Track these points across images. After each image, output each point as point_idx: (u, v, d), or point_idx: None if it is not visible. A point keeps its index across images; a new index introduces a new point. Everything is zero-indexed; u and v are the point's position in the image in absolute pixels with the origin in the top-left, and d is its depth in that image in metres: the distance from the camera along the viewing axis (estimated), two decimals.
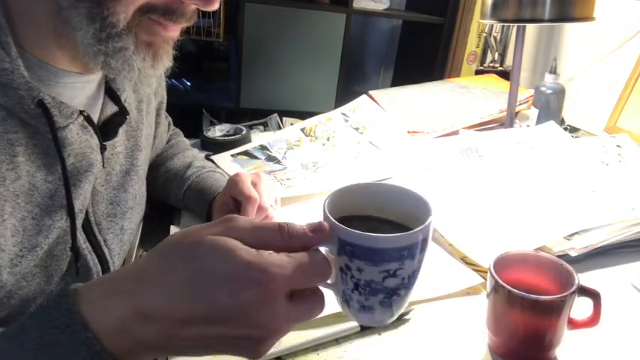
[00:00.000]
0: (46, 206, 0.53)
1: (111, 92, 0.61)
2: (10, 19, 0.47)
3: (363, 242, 0.40)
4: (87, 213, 0.59)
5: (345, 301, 0.43)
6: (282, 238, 0.38)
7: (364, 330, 0.56)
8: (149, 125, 0.73)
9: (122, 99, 0.62)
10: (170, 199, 0.82)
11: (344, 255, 0.40)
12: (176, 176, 0.81)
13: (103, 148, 0.59)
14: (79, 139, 0.54)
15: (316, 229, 0.39)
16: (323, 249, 0.42)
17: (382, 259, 0.40)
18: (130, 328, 0.35)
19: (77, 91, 0.55)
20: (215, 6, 0.51)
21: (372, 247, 0.40)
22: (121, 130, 0.64)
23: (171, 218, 0.81)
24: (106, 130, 0.60)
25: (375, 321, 0.46)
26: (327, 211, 0.42)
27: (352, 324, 0.56)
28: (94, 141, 0.57)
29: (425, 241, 0.42)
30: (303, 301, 0.38)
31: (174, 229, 0.76)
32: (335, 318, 0.57)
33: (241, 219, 0.38)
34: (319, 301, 0.40)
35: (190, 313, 0.35)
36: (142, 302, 0.35)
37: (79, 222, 0.57)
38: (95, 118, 0.58)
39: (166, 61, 0.55)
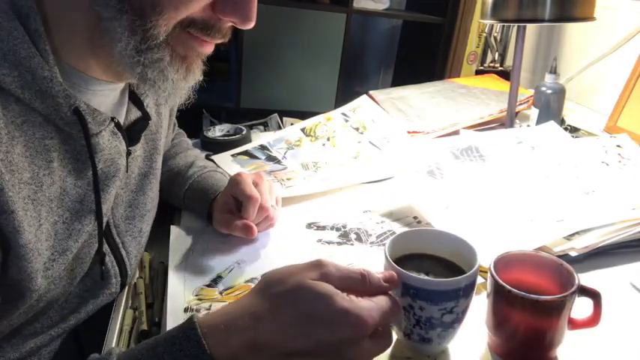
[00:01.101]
0: (75, 211, 0.53)
1: (133, 97, 0.61)
2: (47, 27, 0.48)
3: (425, 286, 0.48)
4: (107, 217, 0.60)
5: (406, 334, 0.51)
6: (364, 285, 0.46)
7: None
8: (166, 128, 0.74)
9: (145, 104, 0.62)
10: (171, 198, 0.82)
11: (407, 296, 0.49)
12: (177, 175, 0.82)
13: (128, 153, 0.60)
14: (110, 145, 0.55)
15: (389, 279, 0.48)
16: None
17: (441, 299, 0.48)
18: (241, 356, 0.42)
19: (104, 97, 0.56)
20: (252, 24, 0.53)
21: (434, 289, 0.48)
22: (142, 135, 0.64)
23: (172, 218, 0.81)
24: (131, 135, 0.60)
25: (432, 350, 0.53)
26: (389, 257, 0.50)
27: None
28: (122, 146, 0.58)
29: (475, 281, 0.50)
30: (380, 338, 0.46)
31: (174, 229, 0.76)
32: None
33: (330, 264, 0.46)
34: (390, 336, 0.47)
35: (295, 346, 0.41)
36: (257, 336, 0.42)
37: (104, 225, 0.58)
38: (121, 123, 0.59)
39: (197, 74, 0.55)
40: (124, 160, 0.59)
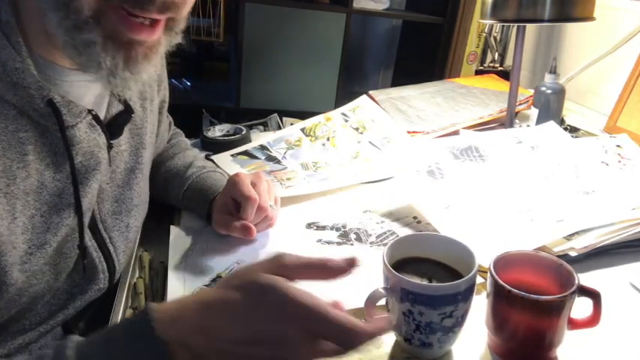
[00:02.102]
0: (54, 204, 0.53)
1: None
2: (19, 19, 0.48)
3: (424, 291, 0.48)
4: (92, 211, 0.60)
5: (406, 339, 0.52)
6: (325, 267, 0.47)
7: None
8: (152, 123, 0.73)
9: (127, 97, 0.62)
10: (170, 198, 0.82)
11: (407, 302, 0.49)
12: (176, 176, 0.81)
13: (109, 147, 0.59)
14: (88, 138, 0.55)
15: (350, 262, 0.48)
16: (386, 297, 0.51)
17: (441, 303, 0.48)
18: (189, 341, 0.41)
19: (84, 89, 0.55)
20: None
21: (433, 294, 0.48)
22: (125, 128, 0.64)
23: (172, 218, 0.81)
24: (112, 128, 0.60)
25: (432, 354, 0.53)
26: (387, 262, 0.51)
27: None
28: (102, 139, 0.57)
29: (474, 285, 0.50)
30: (328, 344, 0.43)
31: (174, 229, 0.76)
32: None
33: (289, 257, 0.45)
34: (339, 350, 0.43)
35: (241, 335, 0.41)
36: (204, 321, 0.41)
37: (86, 220, 0.57)
38: (102, 116, 0.59)
39: (146, 65, 0.52)
40: (105, 153, 0.58)
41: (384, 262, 0.51)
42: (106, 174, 0.61)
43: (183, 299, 0.45)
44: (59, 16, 0.46)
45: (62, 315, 0.60)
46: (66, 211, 0.54)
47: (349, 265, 0.47)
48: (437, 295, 0.48)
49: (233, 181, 0.72)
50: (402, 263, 0.54)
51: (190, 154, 0.87)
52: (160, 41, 0.53)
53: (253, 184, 0.72)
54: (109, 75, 0.50)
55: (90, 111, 0.55)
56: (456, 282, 0.48)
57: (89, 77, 0.55)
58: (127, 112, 0.62)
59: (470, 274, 0.49)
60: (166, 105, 0.81)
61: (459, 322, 0.50)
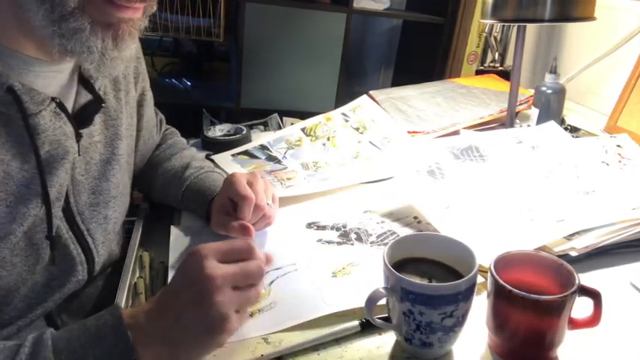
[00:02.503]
0: (21, 194, 0.53)
1: (84, 80, 0.61)
2: None
3: (424, 291, 0.48)
4: (69, 203, 0.60)
5: (407, 339, 0.52)
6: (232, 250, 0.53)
7: (364, 330, 0.56)
8: (129, 115, 0.73)
9: (96, 87, 0.61)
10: (169, 200, 0.82)
11: (407, 302, 0.49)
12: (174, 177, 0.81)
13: (78, 136, 0.59)
14: (53, 126, 0.54)
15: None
16: (386, 297, 0.51)
17: (441, 303, 0.48)
18: (139, 322, 0.47)
19: (49, 80, 0.55)
20: None
21: (433, 294, 0.48)
22: (99, 120, 0.64)
23: (172, 218, 0.81)
24: (82, 118, 0.60)
25: (433, 354, 0.53)
26: (387, 262, 0.51)
27: (353, 323, 0.56)
28: (69, 128, 0.57)
29: (474, 284, 0.50)
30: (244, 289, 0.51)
31: (174, 230, 0.76)
32: (335, 318, 0.57)
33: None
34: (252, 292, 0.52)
35: (177, 303, 0.48)
36: (152, 304, 0.49)
37: (56, 210, 0.57)
38: (69, 106, 0.58)
39: (130, 42, 0.53)
40: (73, 142, 0.58)
41: (385, 262, 0.51)
42: (80, 165, 0.61)
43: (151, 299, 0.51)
44: (44, 9, 0.47)
45: (41, 308, 0.60)
46: (33, 201, 0.54)
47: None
48: (437, 295, 0.48)
49: (229, 182, 0.72)
50: (402, 263, 0.54)
51: (187, 155, 0.87)
52: (140, 21, 0.54)
53: (250, 184, 0.72)
54: (100, 57, 0.51)
55: (54, 99, 0.55)
56: (456, 282, 0.48)
57: (55, 67, 0.55)
58: (96, 102, 0.61)
59: (470, 274, 0.49)
60: (147, 97, 0.80)
61: (460, 321, 0.50)
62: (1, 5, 0.49)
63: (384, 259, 0.51)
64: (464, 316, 0.51)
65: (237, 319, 0.49)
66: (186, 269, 0.50)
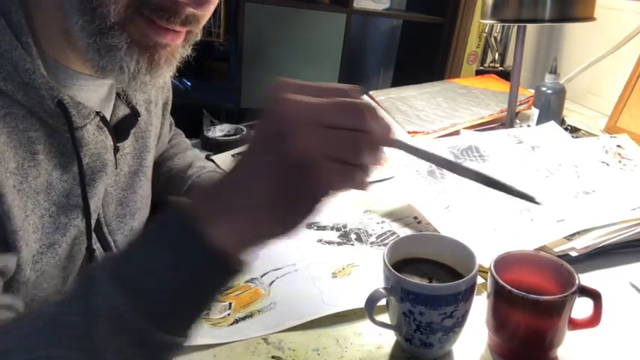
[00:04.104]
0: (61, 205, 0.53)
1: (122, 94, 0.61)
2: (29, 20, 0.48)
3: (424, 291, 0.48)
4: (98, 214, 0.60)
5: (407, 340, 0.51)
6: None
7: (364, 330, 0.56)
8: (156, 126, 0.73)
9: (134, 101, 0.62)
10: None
11: (407, 302, 0.49)
12: (176, 176, 0.81)
13: (115, 149, 0.59)
14: (95, 140, 0.55)
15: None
16: (386, 297, 0.51)
17: (441, 303, 0.48)
18: (210, 191, 0.39)
19: (90, 93, 0.55)
20: (207, 7, 0.48)
21: (433, 294, 0.48)
22: (131, 132, 0.64)
23: None
24: (119, 131, 0.60)
25: (433, 354, 0.53)
26: (387, 262, 0.50)
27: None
28: (109, 142, 0.58)
29: (474, 285, 0.50)
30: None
31: None
32: (335, 318, 0.57)
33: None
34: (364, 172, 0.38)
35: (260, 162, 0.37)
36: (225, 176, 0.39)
37: (93, 222, 0.57)
38: (108, 118, 0.59)
39: (166, 70, 0.52)
40: (111, 155, 0.58)
41: (385, 262, 0.51)
42: (111, 177, 0.61)
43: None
44: (84, 20, 0.47)
45: None
46: (73, 212, 0.54)
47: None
48: (437, 295, 0.48)
49: None
50: (402, 263, 0.54)
51: (190, 155, 0.87)
52: (180, 48, 0.53)
53: None
54: (130, 79, 0.50)
55: (98, 113, 0.55)
56: (456, 282, 0.48)
57: (97, 82, 0.55)
58: (133, 116, 0.62)
59: (470, 275, 0.49)
60: (169, 107, 0.81)
61: (460, 322, 0.50)
62: (54, 19, 0.48)
63: (384, 260, 0.51)
64: (464, 317, 0.51)
65: (340, 171, 0.36)
66: (261, 115, 0.39)
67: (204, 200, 0.39)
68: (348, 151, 0.36)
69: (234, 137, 1.06)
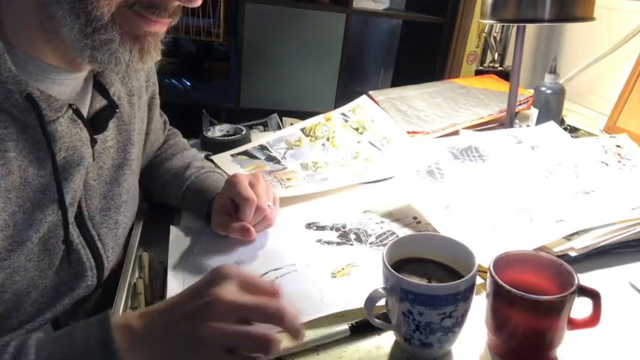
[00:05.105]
0: (37, 200, 0.53)
1: (99, 86, 0.61)
2: None
3: (423, 291, 0.48)
4: (80, 207, 0.60)
5: (406, 339, 0.51)
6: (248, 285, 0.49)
7: (354, 334, 0.56)
8: (141, 120, 0.73)
9: (110, 92, 0.62)
10: (170, 199, 0.82)
11: (406, 302, 0.49)
12: (175, 177, 0.81)
13: (93, 142, 0.59)
14: (69, 133, 0.55)
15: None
16: (386, 297, 0.51)
17: (440, 303, 0.48)
18: (130, 321, 0.46)
19: (65, 87, 0.55)
20: (196, 3, 0.52)
21: (432, 294, 0.48)
22: (112, 125, 0.64)
23: (172, 218, 0.81)
24: (96, 123, 0.60)
25: (432, 354, 0.53)
26: (386, 262, 0.51)
27: (343, 327, 0.56)
28: (84, 134, 0.57)
29: (473, 285, 0.50)
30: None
31: (174, 229, 0.76)
32: (335, 318, 0.57)
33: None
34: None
35: (175, 313, 0.46)
36: (150, 308, 0.48)
37: (70, 215, 0.57)
38: (84, 112, 0.59)
39: (155, 55, 0.55)
40: (88, 148, 0.58)
41: (384, 262, 0.51)
42: (93, 170, 0.61)
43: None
44: (79, 23, 0.47)
45: (50, 313, 0.59)
46: (49, 207, 0.54)
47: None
48: (436, 295, 0.48)
49: (231, 182, 0.72)
50: (401, 263, 0.54)
51: (189, 155, 0.87)
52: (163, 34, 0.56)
53: (251, 185, 0.72)
54: (126, 68, 0.52)
55: (70, 105, 0.55)
56: (455, 282, 0.48)
57: (72, 75, 0.55)
58: (110, 108, 0.62)
59: (469, 275, 0.49)
60: (156, 101, 0.80)
61: (459, 322, 0.50)
62: (27, 15, 0.49)
63: (383, 260, 0.51)
64: (463, 317, 0.51)
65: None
66: (202, 281, 0.48)
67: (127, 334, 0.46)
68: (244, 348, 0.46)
69: (233, 137, 1.06)
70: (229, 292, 0.46)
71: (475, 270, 0.50)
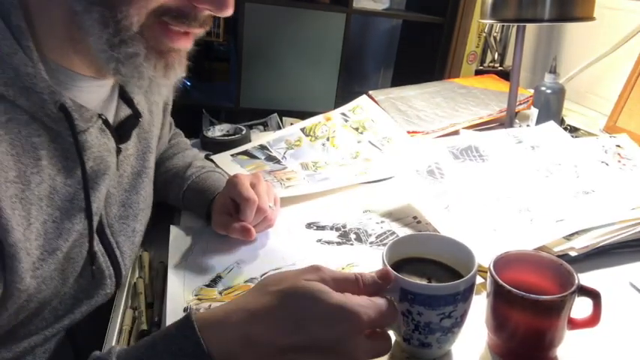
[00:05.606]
0: (65, 209, 0.53)
1: (124, 95, 0.61)
2: (30, 23, 0.47)
3: (423, 291, 0.48)
4: (100, 216, 0.60)
5: (405, 339, 0.51)
6: (358, 285, 0.46)
7: None
8: (157, 127, 0.73)
9: (135, 102, 0.62)
10: (170, 198, 0.82)
11: (405, 302, 0.49)
12: (176, 176, 0.81)
13: (118, 151, 0.59)
14: (98, 142, 0.55)
15: (383, 276, 0.48)
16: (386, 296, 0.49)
17: (440, 304, 0.48)
18: (237, 351, 0.42)
19: (92, 94, 0.55)
20: (229, 11, 0.50)
21: (432, 294, 0.48)
22: (134, 133, 0.64)
23: (172, 218, 0.81)
24: (121, 132, 0.60)
25: (432, 355, 0.53)
26: (386, 262, 0.50)
27: None
28: (111, 144, 0.57)
29: (473, 285, 0.50)
30: (377, 339, 0.47)
31: (174, 229, 0.76)
32: None
33: (325, 268, 0.47)
34: (388, 339, 0.47)
35: (290, 343, 0.42)
36: (251, 331, 0.42)
37: (95, 225, 0.57)
38: (110, 120, 0.59)
39: (179, 71, 0.54)
40: (113, 157, 0.58)
41: (384, 262, 0.51)
42: (114, 178, 0.61)
43: (226, 307, 0.45)
44: (107, 32, 0.47)
45: (68, 319, 0.59)
46: (77, 216, 0.54)
47: (382, 279, 0.48)
48: (436, 295, 0.48)
49: (232, 183, 0.72)
50: (401, 263, 0.54)
51: (190, 154, 0.88)
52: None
53: (252, 185, 0.72)
54: (149, 83, 0.51)
55: (100, 115, 0.55)
56: (455, 282, 0.48)
57: (98, 82, 0.55)
58: (135, 117, 0.62)
59: (469, 275, 0.49)
60: (169, 107, 0.81)
61: (458, 322, 0.50)
62: (56, 22, 0.48)
63: (382, 259, 0.51)
64: (462, 317, 0.51)
65: None
66: (305, 294, 0.43)
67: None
68: None
69: (233, 137, 1.06)
70: (360, 303, 0.44)
71: (475, 270, 0.50)
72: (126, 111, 0.61)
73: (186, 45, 0.53)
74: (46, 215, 0.51)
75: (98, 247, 0.59)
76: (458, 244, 0.54)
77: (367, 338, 0.45)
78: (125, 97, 0.61)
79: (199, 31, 0.53)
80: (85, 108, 0.52)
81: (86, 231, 0.56)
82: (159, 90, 0.54)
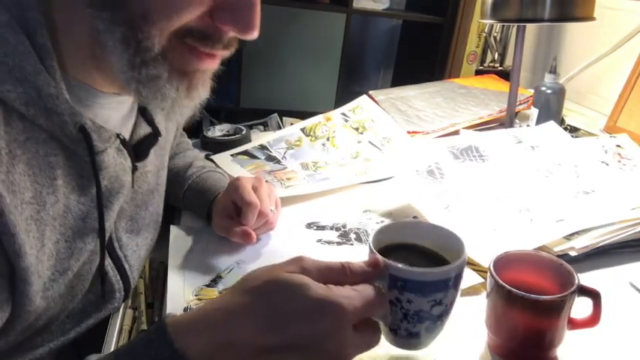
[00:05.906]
0: (78, 228, 0.52)
1: (144, 112, 0.60)
2: (55, 41, 0.46)
3: (414, 277, 0.45)
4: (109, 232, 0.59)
5: (392, 330, 0.48)
6: (345, 274, 0.44)
7: None
8: (170, 142, 0.73)
9: (155, 121, 0.61)
10: (170, 198, 0.82)
11: (394, 289, 0.45)
12: (176, 176, 0.81)
13: (134, 169, 0.58)
14: (114, 162, 0.54)
15: (372, 264, 0.46)
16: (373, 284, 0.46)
17: (431, 290, 0.45)
18: (215, 354, 0.39)
19: (112, 111, 0.54)
20: (254, 34, 0.48)
21: (423, 280, 0.45)
22: (152, 150, 0.62)
23: (172, 218, 0.81)
24: (139, 151, 0.59)
25: (419, 344, 0.50)
26: (373, 248, 0.48)
27: None
28: (127, 163, 0.57)
29: (462, 271, 0.48)
30: (365, 331, 0.43)
31: (174, 229, 0.76)
32: None
33: (308, 259, 0.45)
34: (377, 331, 0.45)
35: (270, 342, 0.39)
36: (229, 332, 0.40)
37: (105, 242, 0.56)
38: (127, 136, 0.58)
39: (202, 92, 0.52)
40: (129, 176, 0.57)
41: (371, 248, 0.48)
42: (128, 194, 0.60)
43: (204, 307, 0.43)
44: (128, 53, 0.45)
45: (74, 333, 0.59)
46: (89, 235, 0.53)
47: (371, 266, 0.46)
48: (428, 281, 0.45)
49: (234, 186, 0.72)
50: (388, 249, 0.51)
51: (191, 155, 0.87)
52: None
53: (254, 189, 0.72)
54: (171, 105, 0.49)
55: (118, 135, 0.54)
56: (446, 267, 0.46)
57: (119, 98, 0.54)
58: (154, 136, 0.60)
59: (460, 260, 0.47)
60: (183, 121, 0.80)
61: (447, 310, 0.48)
62: (81, 41, 0.47)
63: (369, 246, 0.48)
64: (451, 305, 0.48)
65: None
66: (287, 285, 0.41)
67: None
68: None
69: (233, 137, 1.06)
70: (343, 294, 0.41)
71: (465, 256, 0.48)
72: (145, 128, 0.60)
73: (211, 66, 0.51)
74: (58, 234, 0.50)
75: (108, 261, 0.59)
76: (445, 231, 0.52)
77: (355, 331, 0.41)
78: (145, 115, 0.60)
79: (224, 53, 0.51)
80: (104, 128, 0.51)
81: (97, 249, 0.55)
82: (181, 111, 0.52)
